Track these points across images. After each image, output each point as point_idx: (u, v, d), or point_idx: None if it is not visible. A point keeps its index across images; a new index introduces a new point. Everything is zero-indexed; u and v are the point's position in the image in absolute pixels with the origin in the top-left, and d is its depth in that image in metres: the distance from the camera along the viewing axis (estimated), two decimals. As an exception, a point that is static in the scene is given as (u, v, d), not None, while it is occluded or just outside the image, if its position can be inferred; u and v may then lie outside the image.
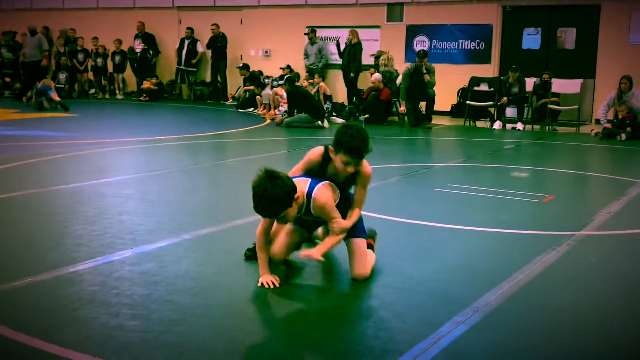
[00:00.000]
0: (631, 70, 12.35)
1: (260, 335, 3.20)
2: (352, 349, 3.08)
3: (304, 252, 3.91)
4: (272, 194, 3.54)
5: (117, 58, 18.38)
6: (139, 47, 17.95)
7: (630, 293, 3.96)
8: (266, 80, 15.57)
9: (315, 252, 3.76)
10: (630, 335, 3.32)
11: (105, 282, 3.83)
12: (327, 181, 3.96)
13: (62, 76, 16.82)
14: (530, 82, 13.14)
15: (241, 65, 16.48)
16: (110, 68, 18.58)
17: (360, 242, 3.98)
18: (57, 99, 14.43)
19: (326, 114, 13.12)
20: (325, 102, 14.08)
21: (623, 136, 11.26)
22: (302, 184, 3.83)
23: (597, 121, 12.55)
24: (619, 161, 9.68)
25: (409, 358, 2.89)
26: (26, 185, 6.64)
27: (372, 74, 13.72)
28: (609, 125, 11.62)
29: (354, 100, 14.12)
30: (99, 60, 18.42)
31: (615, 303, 3.78)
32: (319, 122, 12.44)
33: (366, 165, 4.04)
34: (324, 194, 3.83)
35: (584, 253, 4.69)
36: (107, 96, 16.95)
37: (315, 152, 4.05)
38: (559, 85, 13.25)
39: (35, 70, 16.20)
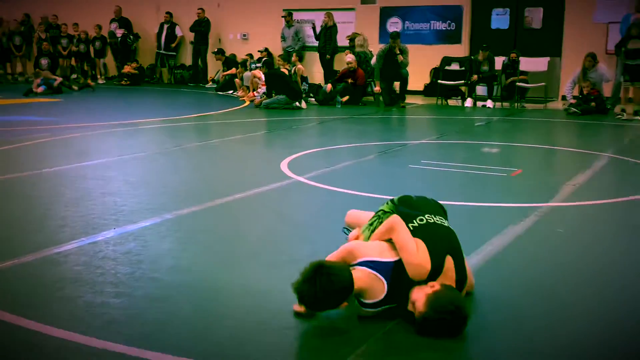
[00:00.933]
0: (595, 48, 12.43)
1: (242, 309, 3.19)
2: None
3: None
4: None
5: (98, 43, 18.19)
6: (119, 32, 17.77)
7: (595, 262, 4.02)
8: (250, 64, 15.42)
9: None
10: (596, 299, 3.38)
11: (90, 261, 3.80)
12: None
13: (44, 62, 16.57)
14: (499, 61, 13.17)
15: (216, 50, 16.37)
16: (92, 53, 18.36)
17: None
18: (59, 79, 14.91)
19: (303, 95, 13.08)
20: (302, 84, 14.03)
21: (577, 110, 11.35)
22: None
23: (564, 97, 12.64)
24: (584, 135, 9.77)
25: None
26: (10, 169, 6.56)
27: (347, 55, 13.66)
28: (573, 101, 11.70)
29: (337, 88, 13.93)
30: (81, 46, 18.21)
31: (582, 272, 3.84)
32: (297, 103, 12.40)
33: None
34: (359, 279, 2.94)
35: (550, 224, 4.75)
36: (89, 81, 16.74)
37: (414, 251, 3.00)
38: (526, 63, 13.30)
39: None
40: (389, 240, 3.06)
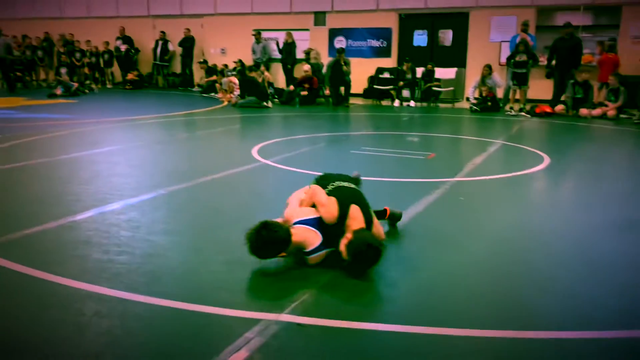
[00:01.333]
0: (491, 60, 12.60)
1: (218, 262, 3.18)
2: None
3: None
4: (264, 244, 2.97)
5: (106, 56, 17.74)
6: (123, 47, 17.37)
7: (486, 220, 4.11)
8: (228, 72, 15.18)
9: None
10: (486, 247, 3.46)
11: (98, 228, 3.73)
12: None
13: (63, 70, 16.03)
14: (419, 71, 13.24)
15: (201, 60, 16.19)
16: (101, 64, 17.96)
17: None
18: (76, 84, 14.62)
19: (270, 97, 12.97)
20: (269, 88, 13.89)
21: (476, 107, 11.54)
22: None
23: (467, 98, 12.80)
24: (482, 127, 9.92)
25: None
26: (34, 156, 6.35)
27: (304, 65, 13.53)
28: (474, 101, 11.86)
29: (297, 90, 13.71)
30: (92, 59, 17.77)
31: (477, 228, 3.92)
32: (264, 103, 12.28)
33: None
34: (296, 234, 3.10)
35: (455, 193, 4.83)
36: (93, 86, 16.38)
37: (331, 205, 3.16)
38: (440, 72, 13.40)
39: (3, 66, 15.50)
40: (314, 206, 3.23)
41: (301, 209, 3.26)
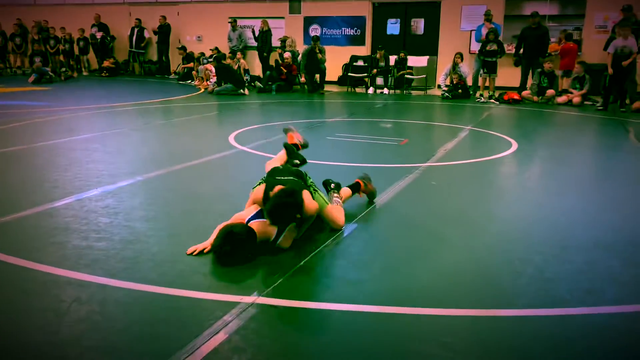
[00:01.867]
0: (461, 49, 12.67)
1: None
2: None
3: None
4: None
5: (81, 43, 17.29)
6: (98, 34, 16.95)
7: (457, 203, 4.16)
8: (203, 59, 14.96)
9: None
10: (457, 228, 3.51)
11: (77, 214, 3.67)
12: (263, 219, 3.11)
13: (37, 59, 15.56)
14: (392, 59, 13.25)
15: (180, 46, 15.91)
16: (76, 51, 17.52)
17: (329, 209, 3.44)
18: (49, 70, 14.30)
19: (245, 84, 12.85)
20: (245, 75, 13.75)
21: (448, 95, 11.64)
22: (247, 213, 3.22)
23: (439, 86, 12.88)
24: (453, 114, 10.01)
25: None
26: (12, 143, 6.20)
27: (286, 53, 13.40)
28: (446, 89, 11.94)
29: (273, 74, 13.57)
30: (67, 46, 17.31)
31: (447, 209, 3.96)
32: (241, 90, 12.17)
33: (308, 205, 3.13)
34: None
35: (427, 178, 4.86)
36: (74, 74, 15.99)
37: (259, 192, 3.26)
38: (412, 60, 13.44)
39: None
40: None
41: (247, 209, 3.26)
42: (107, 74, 16.39)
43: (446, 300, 2.55)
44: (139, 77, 16.54)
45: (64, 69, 16.74)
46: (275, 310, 2.42)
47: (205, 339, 2.16)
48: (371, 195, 4.01)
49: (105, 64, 16.66)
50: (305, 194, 3.17)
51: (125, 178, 4.64)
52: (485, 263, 3.02)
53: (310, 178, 3.55)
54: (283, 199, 2.94)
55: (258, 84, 13.25)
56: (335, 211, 3.45)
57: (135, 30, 16.76)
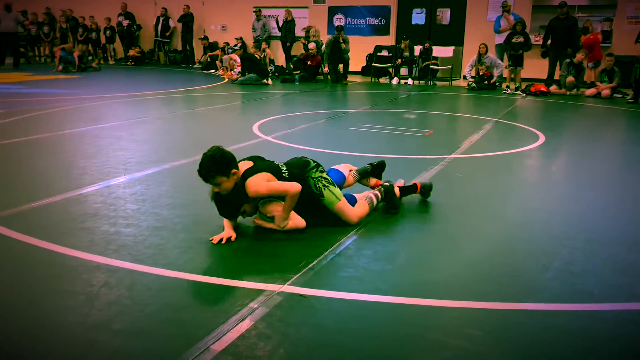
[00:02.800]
0: (488, 39, 12.49)
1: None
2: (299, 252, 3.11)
3: (256, 220, 3.29)
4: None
5: (108, 32, 17.51)
6: (125, 22, 17.15)
7: (483, 195, 4.13)
8: (228, 48, 15.01)
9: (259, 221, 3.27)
10: (482, 218, 3.48)
11: (105, 201, 3.74)
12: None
13: (57, 49, 15.79)
14: (417, 49, 13.14)
15: (202, 37, 15.99)
16: (103, 40, 17.73)
17: (339, 205, 3.34)
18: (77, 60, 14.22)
19: (270, 74, 12.87)
20: (269, 65, 13.78)
21: (474, 85, 11.50)
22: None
23: (464, 77, 12.74)
24: (478, 105, 9.89)
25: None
26: (39, 130, 6.33)
27: (309, 44, 13.38)
28: (471, 80, 11.80)
29: (290, 65, 13.71)
30: (94, 34, 17.53)
31: (476, 204, 3.94)
32: (265, 80, 12.20)
33: (248, 186, 3.12)
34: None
35: (452, 169, 4.83)
36: (94, 64, 16.21)
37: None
38: (437, 50, 13.31)
39: (14, 40, 14.70)
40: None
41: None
42: (132, 63, 16.59)
43: (470, 292, 2.54)
44: (164, 66, 16.69)
45: (90, 58, 17.01)
46: (300, 299, 2.44)
47: (232, 325, 2.19)
48: (426, 191, 3.86)
49: (131, 53, 16.86)
50: (256, 178, 3.11)
51: (152, 166, 4.70)
52: (511, 255, 3.00)
53: (318, 171, 3.37)
54: (207, 153, 3.06)
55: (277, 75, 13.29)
56: (346, 207, 3.33)
57: (161, 19, 16.90)
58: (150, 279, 2.61)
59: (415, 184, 3.82)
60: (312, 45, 13.06)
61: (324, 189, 3.32)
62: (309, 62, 13.01)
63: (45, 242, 2.99)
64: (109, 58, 17.85)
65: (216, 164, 3.03)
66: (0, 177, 4.37)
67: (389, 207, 3.60)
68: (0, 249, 2.95)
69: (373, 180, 3.86)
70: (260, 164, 3.27)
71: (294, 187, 3.14)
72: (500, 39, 12.25)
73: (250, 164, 3.24)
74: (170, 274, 2.65)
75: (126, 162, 4.85)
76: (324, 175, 3.39)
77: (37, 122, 6.91)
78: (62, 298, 2.42)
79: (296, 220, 3.20)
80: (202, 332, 2.13)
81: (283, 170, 3.26)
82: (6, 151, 5.32)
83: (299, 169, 3.34)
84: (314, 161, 3.45)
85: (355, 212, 3.37)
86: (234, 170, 3.09)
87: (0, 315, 2.30)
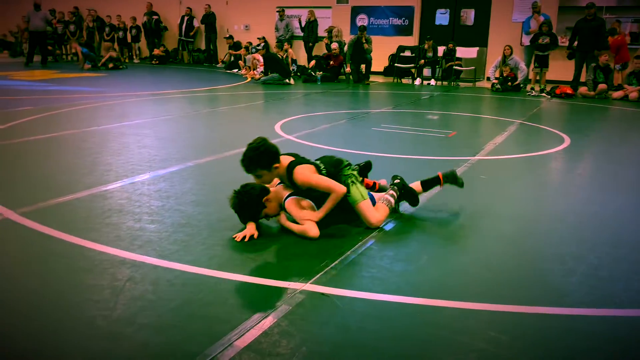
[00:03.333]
0: (512, 41, 12.36)
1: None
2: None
3: (283, 220, 3.27)
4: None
5: (134, 31, 17.75)
6: (154, 17, 17.35)
7: (508, 198, 4.08)
8: (251, 48, 15.08)
9: (284, 222, 3.24)
10: (507, 221, 3.44)
11: (130, 197, 3.78)
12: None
13: (75, 44, 16.11)
14: (440, 49, 13.05)
15: (227, 36, 16.11)
16: (128, 39, 17.98)
17: (362, 205, 3.30)
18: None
19: (292, 74, 12.90)
20: (292, 65, 13.81)
21: (499, 87, 11.37)
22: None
23: (488, 78, 12.61)
24: (502, 107, 9.79)
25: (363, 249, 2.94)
26: (65, 127, 6.44)
27: (331, 44, 13.37)
28: (495, 81, 11.67)
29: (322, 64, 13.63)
30: (120, 33, 17.79)
31: (500, 207, 3.89)
32: (287, 80, 12.23)
33: (296, 174, 3.17)
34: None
35: (476, 172, 4.78)
36: (126, 60, 16.44)
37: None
38: (461, 51, 13.20)
39: (42, 39, 14.80)
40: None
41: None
42: (157, 62, 16.80)
43: (495, 294, 2.51)
44: (187, 66, 16.85)
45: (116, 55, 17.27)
46: (322, 298, 2.44)
47: (255, 322, 2.19)
48: (452, 179, 3.74)
49: (156, 52, 17.07)
50: (304, 168, 3.16)
51: (176, 163, 4.75)
52: (537, 259, 2.95)
53: (350, 169, 3.39)
54: (252, 145, 3.09)
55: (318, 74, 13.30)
56: (369, 209, 3.28)
57: (185, 18, 17.07)
58: (174, 275, 2.63)
59: (437, 176, 3.73)
60: (334, 45, 13.06)
61: (352, 185, 3.32)
62: (331, 62, 13.02)
63: (72, 236, 3.04)
64: (134, 57, 18.09)
65: (259, 155, 3.07)
66: (29, 173, 4.46)
67: (411, 203, 3.56)
68: (28, 242, 3.00)
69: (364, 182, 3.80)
70: (302, 159, 3.30)
71: (341, 188, 3.16)
72: (528, 40, 12.08)
73: (291, 158, 3.27)
74: (194, 270, 2.67)
75: (151, 159, 4.91)
76: (355, 173, 3.40)
77: (63, 119, 7.03)
78: (88, 291, 2.45)
79: (312, 228, 3.10)
80: (226, 328, 2.14)
81: (321, 168, 3.28)
82: (34, 147, 5.42)
83: (334, 166, 3.36)
84: (346, 160, 3.46)
85: (376, 215, 3.31)
86: (276, 165, 3.12)
87: (29, 306, 2.34)
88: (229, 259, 2.84)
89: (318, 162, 3.36)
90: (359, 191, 3.33)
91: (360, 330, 2.19)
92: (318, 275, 2.64)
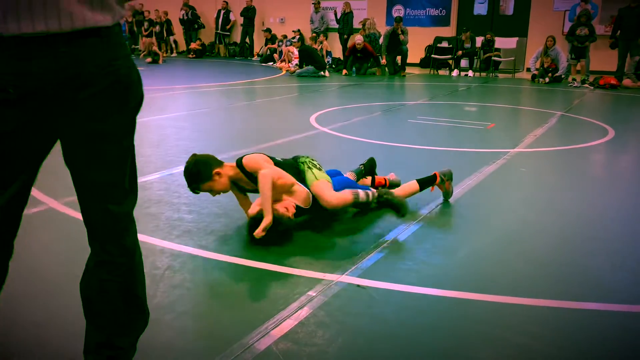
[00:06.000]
0: (554, 31, 12.01)
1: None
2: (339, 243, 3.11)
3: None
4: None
5: (166, 25, 18.03)
6: (186, 16, 17.60)
7: (549, 191, 3.98)
8: (286, 41, 15.10)
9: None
10: (548, 215, 3.36)
11: (169, 188, 3.85)
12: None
13: (149, 40, 16.43)
14: (479, 40, 12.78)
15: (265, 29, 16.20)
16: (165, 33, 18.25)
17: (314, 185, 3.15)
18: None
19: (327, 66, 12.87)
20: (326, 57, 13.78)
21: (546, 79, 11.09)
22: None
23: (528, 69, 12.30)
24: (543, 98, 9.54)
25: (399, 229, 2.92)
26: (108, 120, 6.59)
27: (357, 37, 13.25)
28: (536, 72, 11.38)
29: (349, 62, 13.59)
30: (157, 28, 18.08)
31: (542, 200, 3.81)
32: (322, 73, 12.21)
33: (245, 161, 3.14)
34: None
35: (516, 164, 4.69)
36: (164, 54, 16.68)
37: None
38: (500, 42, 12.90)
39: None
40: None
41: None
42: (193, 56, 17.01)
43: (536, 289, 2.46)
44: (223, 59, 17.02)
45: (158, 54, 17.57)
46: (358, 289, 2.44)
47: (291, 312, 2.21)
48: (446, 195, 3.62)
49: (192, 45, 17.30)
50: (252, 155, 3.12)
51: (214, 155, 4.79)
52: (579, 253, 2.87)
53: (308, 157, 3.33)
54: (185, 167, 3.01)
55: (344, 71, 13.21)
56: (323, 189, 3.10)
57: (222, 12, 17.22)
58: (212, 264, 2.67)
59: (434, 174, 3.56)
60: (358, 39, 12.80)
61: (307, 170, 3.20)
62: (358, 55, 12.83)
63: (113, 225, 3.11)
64: (170, 51, 18.36)
65: (191, 176, 2.99)
66: (72, 164, 4.58)
67: (396, 213, 3.16)
68: (73, 231, 3.09)
69: (373, 180, 3.69)
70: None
71: (267, 169, 2.97)
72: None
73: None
74: (231, 260, 2.71)
75: (189, 151, 4.95)
76: (313, 161, 3.30)
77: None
78: (129, 279, 2.51)
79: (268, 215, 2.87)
80: (262, 317, 2.16)
81: (278, 159, 3.21)
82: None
83: (292, 159, 3.30)
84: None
85: (333, 195, 3.08)
86: (217, 170, 3.01)
87: (73, 290, 2.41)
88: (264, 249, 2.85)
89: (280, 159, 3.25)
90: (313, 174, 3.18)
91: (398, 323, 2.17)
92: (354, 267, 2.64)
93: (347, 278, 2.52)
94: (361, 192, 3.16)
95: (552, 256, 2.84)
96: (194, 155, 3.08)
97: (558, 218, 3.41)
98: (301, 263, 2.72)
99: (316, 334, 2.07)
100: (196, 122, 6.58)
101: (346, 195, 3.11)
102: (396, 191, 3.38)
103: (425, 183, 3.54)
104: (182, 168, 4.33)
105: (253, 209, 3.00)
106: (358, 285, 2.46)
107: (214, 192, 3.06)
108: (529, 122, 7.12)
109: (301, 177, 3.19)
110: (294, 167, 3.24)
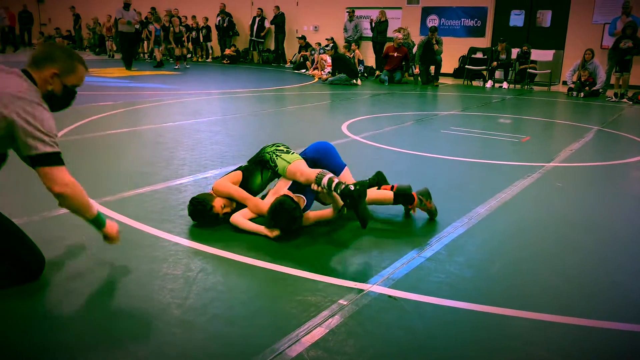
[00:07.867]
0: (592, 44, 11.78)
1: (320, 233, 3.22)
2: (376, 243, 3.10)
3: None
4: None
5: (204, 31, 18.35)
6: (220, 22, 17.86)
7: (585, 207, 3.90)
8: (320, 49, 15.16)
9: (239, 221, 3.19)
10: (583, 231, 3.29)
11: (203, 191, 3.89)
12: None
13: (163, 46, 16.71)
14: (514, 52, 12.63)
15: (300, 36, 16.33)
16: (201, 39, 18.56)
17: (290, 168, 3.28)
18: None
19: (359, 75, 12.88)
20: (359, 65, 13.79)
21: (582, 94, 10.87)
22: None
23: (564, 82, 12.08)
24: (579, 112, 9.35)
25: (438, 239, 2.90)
26: (144, 122, 6.73)
27: (395, 34, 13.18)
28: (572, 86, 11.17)
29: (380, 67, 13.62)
30: (193, 33, 18.39)
31: (575, 213, 3.73)
32: (354, 81, 12.23)
33: (215, 187, 3.39)
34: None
35: (551, 179, 4.60)
36: (199, 60, 16.94)
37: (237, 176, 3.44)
38: (536, 54, 12.73)
39: (132, 39, 14.27)
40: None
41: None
42: (228, 61, 17.25)
43: (571, 307, 2.40)
44: (257, 65, 17.19)
45: (189, 56, 17.84)
46: (390, 300, 2.42)
47: (322, 320, 2.21)
48: (430, 214, 3.44)
49: (227, 51, 17.55)
50: (221, 180, 3.36)
51: (246, 160, 4.81)
52: (616, 272, 2.80)
53: (273, 146, 3.44)
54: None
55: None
56: (298, 167, 3.21)
57: (257, 19, 17.41)
58: (244, 268, 2.69)
59: (412, 194, 3.38)
60: (397, 35, 12.67)
61: (277, 158, 3.31)
62: (395, 54, 12.74)
63: (149, 226, 3.17)
64: (207, 56, 18.65)
65: (194, 211, 3.22)
66: (109, 164, 4.69)
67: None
68: (109, 230, 3.16)
69: (384, 188, 3.57)
70: (245, 168, 3.50)
71: (253, 201, 3.26)
72: (611, 42, 11.46)
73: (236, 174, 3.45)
74: (263, 265, 2.72)
75: (222, 155, 5.04)
76: (279, 146, 3.40)
77: (141, 115, 7.35)
78: (164, 279, 2.55)
79: (267, 231, 3.09)
80: (294, 324, 2.17)
81: (246, 165, 3.48)
82: (114, 140, 5.71)
83: (256, 155, 3.49)
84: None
85: (305, 171, 3.16)
86: (212, 194, 3.32)
87: (109, 288, 2.46)
88: (297, 255, 2.87)
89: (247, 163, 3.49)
90: (284, 160, 3.26)
91: (429, 335, 2.15)
92: (385, 277, 2.62)
93: (378, 288, 2.51)
94: (327, 175, 3.10)
95: (588, 273, 2.78)
96: (191, 199, 3.27)
97: (594, 235, 3.33)
98: (333, 271, 2.72)
99: (347, 342, 2.07)
100: (229, 126, 6.66)
101: (311, 173, 3.16)
102: (369, 191, 3.33)
103: (399, 196, 3.39)
104: (216, 171, 4.43)
105: (264, 206, 3.18)
106: (390, 296, 2.45)
107: (223, 212, 3.25)
108: (564, 136, 6.99)
109: (271, 167, 3.33)
110: (259, 162, 3.41)
